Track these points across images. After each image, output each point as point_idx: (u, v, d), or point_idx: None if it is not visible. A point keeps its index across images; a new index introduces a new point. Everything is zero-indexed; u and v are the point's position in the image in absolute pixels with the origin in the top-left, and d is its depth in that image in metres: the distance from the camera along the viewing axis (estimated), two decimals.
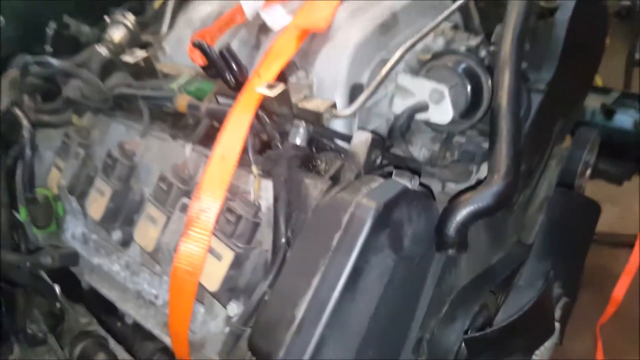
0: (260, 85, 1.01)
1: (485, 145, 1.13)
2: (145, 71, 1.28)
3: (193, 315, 1.01)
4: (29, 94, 1.38)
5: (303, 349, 0.77)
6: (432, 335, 1.07)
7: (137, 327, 1.17)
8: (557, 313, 1.16)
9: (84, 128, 1.31)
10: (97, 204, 1.18)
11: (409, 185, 0.86)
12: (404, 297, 0.91)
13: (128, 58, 1.25)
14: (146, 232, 1.07)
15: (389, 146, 1.12)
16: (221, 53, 1.06)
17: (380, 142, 0.95)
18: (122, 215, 1.18)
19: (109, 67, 1.38)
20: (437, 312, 1.10)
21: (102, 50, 1.34)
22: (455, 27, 1.22)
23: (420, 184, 0.93)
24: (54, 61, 1.19)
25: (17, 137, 1.32)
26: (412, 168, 1.10)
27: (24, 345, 1.40)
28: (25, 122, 1.28)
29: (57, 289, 1.37)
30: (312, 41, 1.15)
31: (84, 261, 1.24)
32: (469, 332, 1.08)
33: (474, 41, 1.17)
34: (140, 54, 1.26)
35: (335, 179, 0.94)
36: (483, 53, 1.15)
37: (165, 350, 1.16)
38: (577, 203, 1.07)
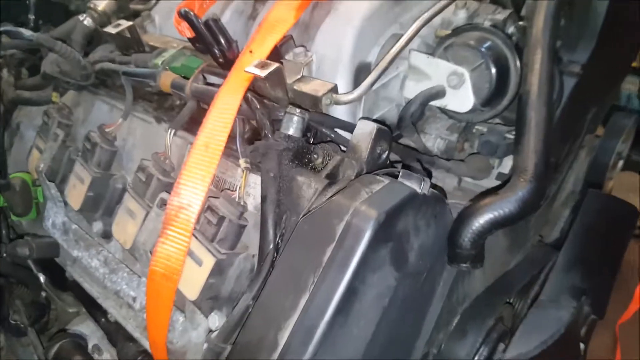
0: (251, 64, 0.88)
1: (510, 136, 0.99)
2: (132, 44, 1.16)
3: (173, 323, 0.90)
4: (10, 67, 1.27)
5: None
6: (439, 350, 0.95)
7: (119, 325, 1.07)
8: (582, 331, 1.03)
9: (65, 106, 1.19)
10: (76, 191, 1.06)
11: (417, 189, 0.72)
12: (407, 315, 0.79)
13: (110, 29, 1.12)
14: (125, 227, 0.96)
15: (398, 136, 0.99)
16: (206, 24, 0.92)
17: (386, 134, 0.81)
18: (103, 204, 1.06)
19: (95, 38, 1.26)
20: (447, 324, 0.98)
21: (87, 20, 1.22)
22: None
23: (432, 185, 0.79)
24: (23, 31, 1.07)
25: None
26: (423, 165, 0.97)
27: (8, 335, 1.32)
28: None
29: (42, 278, 1.28)
30: (313, 12, 1.01)
31: (64, 252, 1.14)
32: (481, 348, 0.96)
33: (500, 15, 1.01)
34: (124, 24, 1.13)
35: (332, 177, 0.81)
36: (511, 29, 0.99)
37: (148, 353, 1.06)
38: (613, 208, 0.93)
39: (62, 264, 1.16)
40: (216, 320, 0.84)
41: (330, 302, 0.66)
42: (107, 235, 1.06)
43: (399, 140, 0.98)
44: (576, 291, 0.99)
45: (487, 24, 1.01)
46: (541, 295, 1.00)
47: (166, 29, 1.20)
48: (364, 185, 0.73)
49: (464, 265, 0.80)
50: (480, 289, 1.05)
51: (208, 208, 0.83)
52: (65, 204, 1.13)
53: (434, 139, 1.04)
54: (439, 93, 0.91)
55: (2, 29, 1.07)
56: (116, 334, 1.11)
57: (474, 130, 1.05)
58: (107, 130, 1.06)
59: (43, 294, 1.33)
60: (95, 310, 1.23)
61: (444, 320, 0.96)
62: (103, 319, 1.18)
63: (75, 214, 1.13)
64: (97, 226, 1.06)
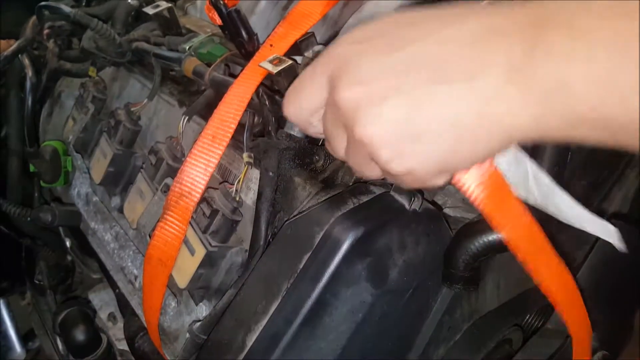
0: (267, 58, 0.87)
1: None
2: (172, 26, 1.17)
3: (165, 307, 0.93)
4: (59, 38, 1.31)
5: None
6: None
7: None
8: None
9: (101, 81, 1.22)
10: (99, 165, 1.10)
11: (406, 204, 0.70)
12: (390, 331, 0.77)
13: (149, 9, 1.14)
14: (134, 206, 0.98)
15: None
16: (229, 15, 0.92)
17: None
18: (122, 181, 1.09)
19: (143, 17, 1.28)
20: (449, 340, 0.95)
21: None
22: None
23: (428, 200, 0.76)
24: (63, 7, 1.10)
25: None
26: None
27: (34, 292, 1.40)
28: (29, 72, 1.21)
29: (68, 242, 1.34)
30: (344, 9, 0.99)
31: (85, 222, 1.18)
32: None
33: None
34: (163, 5, 1.15)
35: (329, 182, 0.79)
36: None
37: None
38: (634, 241, 0.86)
39: (85, 232, 1.21)
40: (203, 311, 0.85)
41: (298, 312, 0.65)
42: (121, 210, 1.09)
43: None
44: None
45: None
46: (548, 323, 0.95)
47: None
48: (353, 195, 0.71)
49: (456, 286, 0.77)
50: (492, 307, 1.01)
51: (204, 199, 0.83)
52: (89, 176, 1.17)
53: None
54: None
55: (43, 3, 1.11)
56: (125, 306, 1.15)
57: None
58: (132, 109, 1.08)
59: (69, 257, 1.40)
60: (111, 280, 1.27)
61: (446, 335, 0.93)
62: (117, 290, 1.22)
63: (97, 187, 1.17)
64: (115, 201, 1.10)
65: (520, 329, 1.03)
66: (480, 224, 0.75)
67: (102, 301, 1.32)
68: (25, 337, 1.60)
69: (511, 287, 1.05)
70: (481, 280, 0.96)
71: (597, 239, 0.96)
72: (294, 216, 0.74)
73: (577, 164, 1.00)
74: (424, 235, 0.73)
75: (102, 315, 1.29)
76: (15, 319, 1.55)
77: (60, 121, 1.31)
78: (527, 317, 1.08)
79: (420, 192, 0.74)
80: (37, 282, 1.36)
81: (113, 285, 1.29)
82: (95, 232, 1.12)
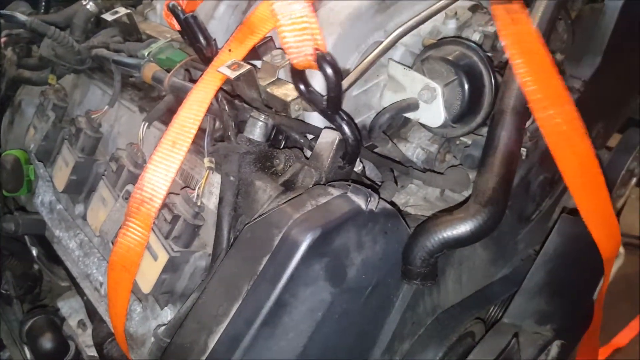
0: (225, 63, 0.88)
1: None
2: (131, 31, 1.18)
3: (130, 312, 0.93)
4: (17, 46, 1.30)
5: None
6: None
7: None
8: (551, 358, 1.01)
9: (61, 88, 1.22)
10: (61, 173, 1.10)
11: (363, 205, 0.72)
12: (351, 328, 0.79)
13: (107, 16, 1.14)
14: (97, 213, 0.98)
15: (372, 146, 0.98)
16: (186, 20, 0.93)
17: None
18: (85, 188, 1.09)
19: (100, 23, 1.28)
20: (412, 334, 0.97)
21: (90, 4, 1.24)
22: (475, 7, 1.04)
23: (386, 200, 0.78)
24: (19, 15, 1.10)
25: None
26: (394, 175, 0.96)
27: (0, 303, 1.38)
28: None
29: (34, 251, 1.33)
30: None
31: (50, 231, 1.18)
32: None
33: (492, 27, 0.98)
34: (122, 11, 1.15)
35: (289, 184, 0.81)
36: (501, 44, 0.96)
37: None
38: (585, 234, 0.90)
39: (50, 240, 1.20)
40: (169, 315, 0.86)
41: (258, 314, 0.66)
42: (85, 217, 1.09)
43: (373, 150, 0.97)
44: (542, 316, 0.96)
45: (476, 36, 0.98)
46: (504, 317, 0.98)
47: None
48: (311, 197, 0.73)
49: (414, 282, 0.79)
50: (455, 301, 1.04)
51: (166, 205, 0.84)
52: (52, 184, 1.17)
53: (414, 148, 1.02)
54: (411, 106, 0.89)
55: (3, 12, 1.10)
56: (93, 313, 1.15)
57: (458, 142, 1.03)
58: (93, 116, 1.08)
59: (36, 266, 1.38)
60: (78, 287, 1.26)
61: (410, 330, 0.96)
62: (85, 297, 1.21)
63: (60, 195, 1.16)
64: (79, 208, 1.10)
65: (482, 322, 1.06)
66: (435, 221, 0.78)
67: (71, 309, 1.31)
68: None
69: (473, 281, 1.08)
70: (441, 276, 0.99)
71: (550, 234, 1.00)
72: (254, 219, 0.75)
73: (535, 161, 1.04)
74: (381, 234, 0.75)
75: (72, 322, 1.29)
76: None
77: (21, 130, 1.30)
78: (490, 310, 1.11)
79: (376, 192, 0.76)
80: (3, 291, 1.35)
81: (81, 292, 1.28)
82: (60, 240, 1.11)
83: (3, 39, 1.25)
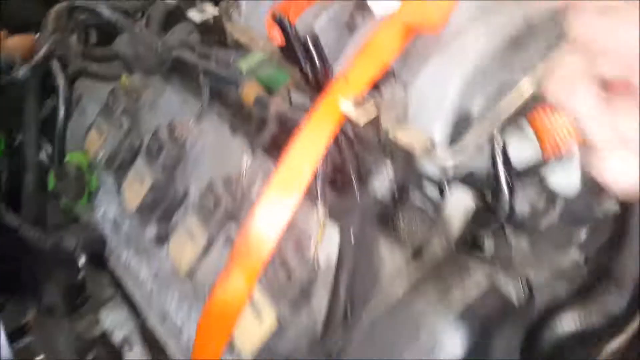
0: (346, 98, 0.79)
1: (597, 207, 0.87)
2: (214, 32, 1.07)
3: None
4: (79, 32, 1.19)
5: None
6: None
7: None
8: None
9: (135, 90, 1.11)
10: (135, 191, 1.01)
11: (513, 299, 0.64)
12: None
13: (194, 15, 1.04)
14: (183, 248, 0.90)
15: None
16: (301, 42, 0.83)
17: (488, 218, 0.72)
18: (160, 208, 1.00)
19: (176, 16, 1.17)
20: None
21: None
22: None
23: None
24: (103, 9, 0.99)
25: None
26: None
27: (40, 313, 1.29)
28: (61, 81, 1.09)
29: (81, 261, 1.24)
30: (415, 45, 0.89)
31: (110, 250, 1.09)
32: None
33: None
34: (210, 10, 1.04)
35: (418, 252, 0.73)
36: None
37: None
38: None
39: (108, 258, 1.11)
40: None
41: None
42: (160, 240, 1.01)
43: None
44: None
45: None
46: None
47: (252, 19, 1.09)
48: (456, 284, 0.65)
49: None
50: None
51: (277, 258, 0.76)
52: (120, 198, 1.07)
53: (521, 200, 0.94)
54: (541, 163, 0.80)
55: (78, 3, 0.99)
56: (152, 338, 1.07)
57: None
58: (176, 130, 0.99)
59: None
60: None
61: None
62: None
63: (128, 213, 1.07)
64: (152, 231, 1.00)
65: None
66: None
67: (114, 321, 1.22)
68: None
69: None
70: None
71: None
72: (385, 298, 0.67)
73: None
74: (515, 331, 0.68)
75: (116, 338, 1.20)
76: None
77: (80, 129, 1.19)
78: None
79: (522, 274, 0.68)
80: (46, 304, 1.26)
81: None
82: (128, 266, 1.03)
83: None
